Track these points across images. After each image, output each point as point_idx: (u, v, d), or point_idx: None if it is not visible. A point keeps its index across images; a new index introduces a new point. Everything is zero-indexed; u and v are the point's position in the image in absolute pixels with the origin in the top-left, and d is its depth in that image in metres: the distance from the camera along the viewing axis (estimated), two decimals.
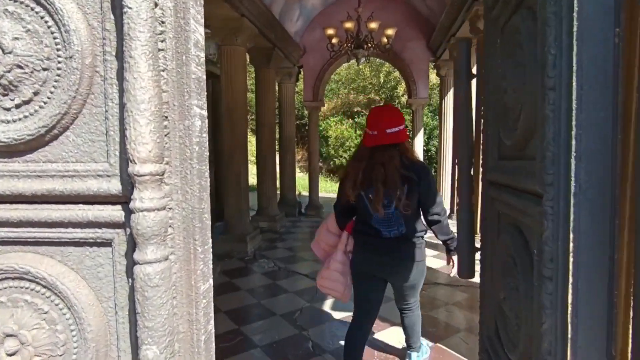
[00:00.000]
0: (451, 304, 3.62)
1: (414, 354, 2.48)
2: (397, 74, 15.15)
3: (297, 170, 18.38)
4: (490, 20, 1.22)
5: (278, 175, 8.23)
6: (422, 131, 8.29)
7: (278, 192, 8.23)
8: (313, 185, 8.42)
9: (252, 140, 8.14)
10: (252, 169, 7.37)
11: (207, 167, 0.98)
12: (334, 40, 5.73)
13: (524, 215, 0.93)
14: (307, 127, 10.50)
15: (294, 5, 6.60)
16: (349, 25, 5.33)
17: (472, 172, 1.37)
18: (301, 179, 13.94)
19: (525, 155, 0.93)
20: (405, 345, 2.57)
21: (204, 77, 0.92)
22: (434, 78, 10.42)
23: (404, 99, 15.22)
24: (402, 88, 15.19)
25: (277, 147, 7.68)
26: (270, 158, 6.70)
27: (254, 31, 5.23)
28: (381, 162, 1.91)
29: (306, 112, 9.10)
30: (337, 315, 3.33)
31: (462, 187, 1.35)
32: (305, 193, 8.90)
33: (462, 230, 1.35)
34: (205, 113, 0.91)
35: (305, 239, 6.13)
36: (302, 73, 8.25)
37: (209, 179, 0.97)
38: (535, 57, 0.82)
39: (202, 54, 0.89)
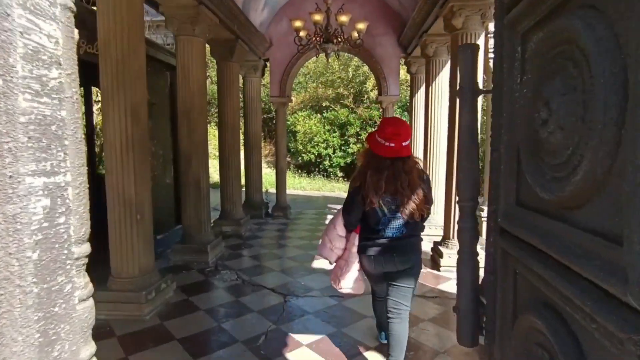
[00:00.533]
0: (426, 319, 3.41)
1: None
2: (366, 68, 14.94)
3: (265, 165, 17.91)
4: (507, 23, 0.92)
5: (243, 175, 7.80)
6: None
7: (244, 189, 7.81)
8: (280, 186, 8.04)
9: (216, 136, 7.56)
10: (218, 165, 6.90)
11: None
12: (302, 34, 5.35)
13: (577, 309, 0.64)
14: (274, 122, 10.09)
15: None
16: (317, 17, 4.97)
17: (476, 213, 1.08)
18: (269, 175, 13.49)
19: (580, 223, 0.64)
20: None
21: (63, 115, 0.54)
22: (403, 74, 10.28)
23: (373, 94, 15.07)
24: (371, 83, 15.02)
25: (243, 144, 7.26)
26: (234, 158, 6.25)
27: (213, 21, 4.76)
28: (405, 172, 2.19)
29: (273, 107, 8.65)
30: (305, 339, 3.02)
31: (464, 233, 1.07)
32: (273, 190, 8.50)
33: (463, 289, 1.07)
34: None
35: (272, 245, 5.77)
36: (268, 67, 7.81)
37: None
38: (613, 81, 0.53)
39: (49, 73, 0.51)
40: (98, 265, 2.37)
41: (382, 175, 2.18)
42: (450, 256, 4.69)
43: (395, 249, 2.28)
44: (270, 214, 7.96)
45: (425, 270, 4.58)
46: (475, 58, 1.01)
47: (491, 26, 4.69)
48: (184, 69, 4.59)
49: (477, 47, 1.04)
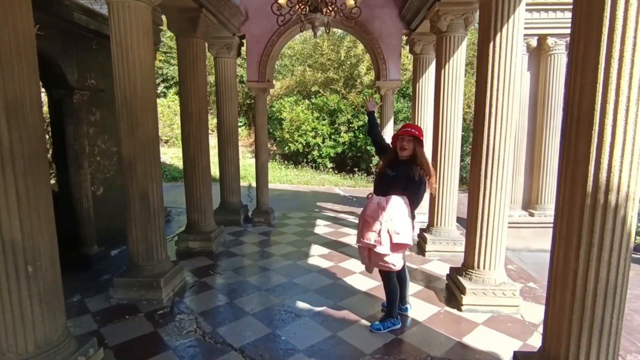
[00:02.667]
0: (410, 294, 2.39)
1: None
2: (359, 49, 13.68)
3: (250, 156, 16.67)
4: None
5: (218, 170, 6.64)
6: (392, 120, 6.98)
7: (218, 184, 6.65)
8: (261, 185, 6.90)
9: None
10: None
11: None
12: (281, 0, 4.13)
13: None
14: None
15: None
16: None
17: None
18: (254, 168, 12.30)
19: None
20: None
21: None
22: (403, 55, 9.09)
23: (366, 78, 13.87)
24: (364, 66, 13.77)
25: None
26: (201, 157, 5.08)
27: None
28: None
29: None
30: None
31: None
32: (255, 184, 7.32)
33: None
34: None
35: (249, 268, 4.67)
36: (245, 45, 6.56)
37: None
38: None
39: None
40: None
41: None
42: (433, 242, 5.02)
43: None
44: (250, 219, 6.85)
45: (409, 253, 4.98)
46: None
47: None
48: (120, 45, 3.36)
49: None
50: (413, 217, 3.03)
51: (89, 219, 4.94)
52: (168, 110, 16.36)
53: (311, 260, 4.87)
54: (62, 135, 4.63)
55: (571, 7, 5.67)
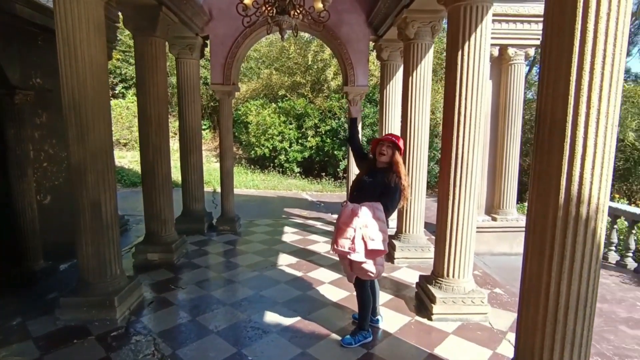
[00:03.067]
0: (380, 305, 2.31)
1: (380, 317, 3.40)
2: (325, 54, 13.66)
3: (214, 160, 16.18)
4: None
5: (180, 175, 6.32)
6: (360, 125, 6.94)
7: (181, 189, 6.33)
8: (226, 191, 6.64)
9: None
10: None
11: None
12: (247, 1, 3.97)
13: None
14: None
15: None
16: None
17: None
18: (219, 170, 11.88)
19: None
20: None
21: None
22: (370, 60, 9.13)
23: (333, 83, 13.87)
24: (331, 71, 13.76)
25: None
26: (162, 163, 4.78)
27: None
28: None
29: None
30: None
31: None
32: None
33: None
34: None
35: (213, 280, 4.42)
36: (209, 46, 6.31)
37: None
38: None
39: None
40: None
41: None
42: (402, 249, 5.00)
43: None
44: (215, 227, 6.56)
45: None
46: None
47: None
48: (68, 42, 3.07)
49: None
50: (388, 224, 2.99)
51: (33, 230, 4.51)
52: (127, 112, 15.57)
53: (279, 271, 4.70)
54: (2, 139, 4.19)
55: (530, 19, 5.86)
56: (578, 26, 1.77)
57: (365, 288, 3.06)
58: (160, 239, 4.88)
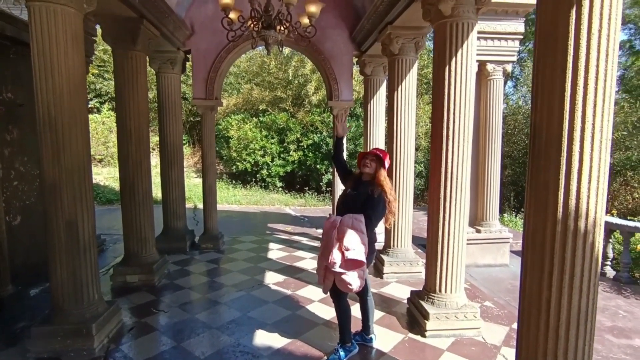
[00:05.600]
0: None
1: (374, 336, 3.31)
2: (307, 69, 13.74)
3: (194, 175, 15.86)
4: None
5: (161, 192, 6.10)
6: (345, 138, 6.93)
7: (161, 205, 6.09)
8: (209, 208, 6.46)
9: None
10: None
11: None
12: (233, 15, 3.92)
13: None
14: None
15: None
16: None
17: None
18: (199, 187, 11.59)
19: None
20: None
21: None
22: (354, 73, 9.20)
23: (314, 97, 13.92)
24: (312, 86, 13.83)
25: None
26: (142, 180, 4.59)
27: None
28: None
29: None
30: None
31: None
32: (202, 206, 6.78)
33: None
34: None
35: (196, 302, 4.23)
36: (190, 60, 6.21)
37: None
38: None
39: None
40: None
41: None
42: (390, 264, 4.95)
43: None
44: (197, 245, 6.35)
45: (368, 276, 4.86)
46: None
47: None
48: (44, 55, 2.92)
49: None
50: (375, 238, 2.99)
51: (1, 253, 4.23)
52: (102, 127, 15.14)
53: (266, 290, 4.55)
54: None
55: (507, 36, 6.03)
56: (571, 42, 1.80)
57: (341, 300, 2.98)
58: (141, 260, 4.66)
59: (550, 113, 1.90)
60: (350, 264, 2.70)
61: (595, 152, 1.84)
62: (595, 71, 1.79)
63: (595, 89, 1.80)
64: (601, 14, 1.77)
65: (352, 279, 2.74)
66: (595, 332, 4.33)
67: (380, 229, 5.64)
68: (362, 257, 2.69)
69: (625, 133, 10.42)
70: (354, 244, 2.68)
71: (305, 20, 4.03)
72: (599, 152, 1.84)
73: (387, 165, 3.03)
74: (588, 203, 1.86)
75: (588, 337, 1.98)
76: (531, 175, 2.05)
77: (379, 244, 5.49)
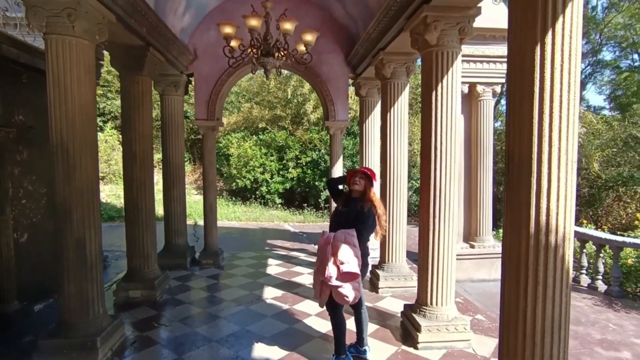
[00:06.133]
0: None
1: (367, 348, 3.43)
2: (305, 89, 14.10)
3: (195, 192, 16.03)
4: None
5: (163, 210, 6.27)
6: (340, 158, 7.17)
7: (162, 223, 6.24)
8: (209, 225, 6.62)
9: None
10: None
11: None
12: (234, 43, 4.19)
13: None
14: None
15: None
16: (254, 22, 3.85)
17: None
18: (200, 204, 11.76)
19: None
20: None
21: None
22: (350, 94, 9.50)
23: (313, 116, 14.23)
24: (311, 105, 14.17)
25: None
26: (146, 199, 4.77)
27: (106, 17, 3.41)
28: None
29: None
30: None
31: None
32: (202, 223, 6.92)
33: None
34: None
35: (199, 317, 4.35)
36: (193, 83, 6.48)
37: None
38: None
39: None
40: None
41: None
42: (386, 278, 5.08)
43: None
44: (198, 261, 6.48)
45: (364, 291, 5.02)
46: None
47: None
48: (58, 83, 3.14)
49: None
50: (367, 252, 3.18)
51: (8, 270, 4.38)
52: (105, 145, 15.40)
53: (265, 304, 4.67)
54: None
55: (495, 59, 6.33)
56: (537, 75, 2.02)
57: (336, 312, 3.13)
58: (143, 276, 4.80)
59: (521, 138, 2.10)
60: (346, 276, 2.87)
61: (562, 173, 2.03)
62: (559, 100, 2.00)
63: (560, 116, 2.01)
64: (562, 50, 1.99)
65: (348, 291, 2.90)
66: (585, 345, 4.45)
67: (375, 245, 5.80)
68: (356, 269, 2.86)
69: (615, 150, 10.67)
70: (348, 258, 2.85)
71: (302, 48, 4.30)
72: (565, 172, 2.04)
73: (375, 182, 3.25)
74: (557, 219, 2.05)
75: (562, 344, 2.13)
76: (507, 195, 2.24)
77: (374, 259, 5.65)
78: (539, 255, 2.06)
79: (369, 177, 3.23)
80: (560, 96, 2.01)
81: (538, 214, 2.05)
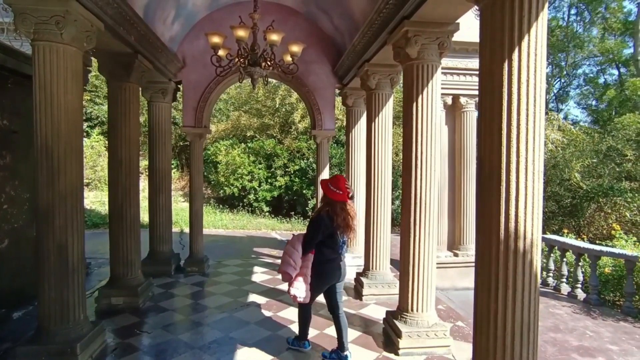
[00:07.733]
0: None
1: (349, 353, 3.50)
2: (293, 98, 14.23)
3: (182, 199, 15.93)
4: None
5: (148, 217, 6.25)
6: (327, 165, 7.26)
7: (147, 230, 6.21)
8: (195, 232, 6.61)
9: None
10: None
11: None
12: (222, 52, 4.26)
13: None
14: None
15: (166, 2, 4.95)
16: (242, 33, 3.94)
17: None
18: (187, 212, 11.69)
19: None
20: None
21: None
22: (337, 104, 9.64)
23: (301, 125, 14.35)
24: (299, 114, 14.30)
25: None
26: (130, 206, 4.77)
27: (94, 25, 3.46)
28: (352, 212, 3.39)
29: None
30: None
31: None
32: (188, 230, 6.91)
33: None
34: None
35: (182, 324, 4.34)
36: (181, 90, 6.52)
37: None
38: None
39: None
40: None
41: (345, 214, 3.30)
42: (369, 286, 5.16)
43: (343, 264, 3.45)
44: (183, 269, 6.46)
45: (346, 298, 5.06)
46: None
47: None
48: (44, 89, 3.17)
49: None
50: (326, 258, 3.39)
51: None
52: (91, 151, 15.25)
53: (249, 311, 4.68)
54: None
55: (477, 72, 6.53)
56: (505, 89, 2.14)
57: (300, 308, 3.59)
58: (126, 282, 4.77)
59: (491, 149, 2.21)
60: (282, 274, 3.31)
61: (530, 182, 2.15)
62: (526, 113, 2.12)
63: (527, 129, 2.13)
64: (528, 67, 2.12)
65: (295, 290, 3.28)
66: (562, 352, 4.56)
67: (360, 253, 5.87)
68: (288, 269, 3.25)
69: (595, 160, 10.99)
70: (284, 258, 3.32)
71: (289, 58, 4.39)
72: (532, 182, 2.15)
73: (332, 188, 3.36)
74: (525, 226, 2.15)
75: (532, 347, 2.22)
76: (479, 203, 2.34)
77: (359, 267, 5.70)
78: (509, 259, 2.16)
79: (324, 186, 3.43)
80: (527, 109, 2.13)
81: (507, 221, 2.15)
